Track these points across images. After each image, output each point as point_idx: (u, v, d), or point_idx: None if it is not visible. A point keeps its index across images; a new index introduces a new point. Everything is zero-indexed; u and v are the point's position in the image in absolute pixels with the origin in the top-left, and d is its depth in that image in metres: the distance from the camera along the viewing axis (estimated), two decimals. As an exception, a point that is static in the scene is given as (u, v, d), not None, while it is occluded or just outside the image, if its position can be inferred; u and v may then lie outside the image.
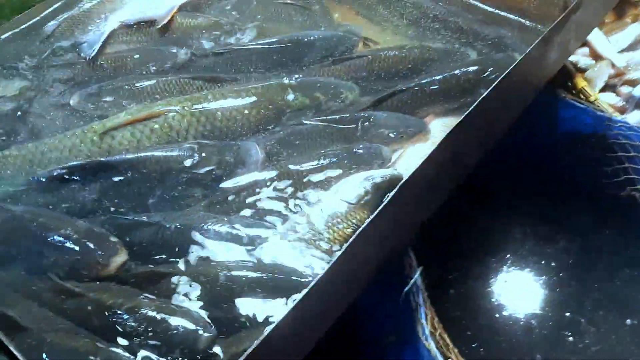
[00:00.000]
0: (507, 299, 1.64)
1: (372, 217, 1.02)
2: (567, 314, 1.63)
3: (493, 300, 1.64)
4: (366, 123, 1.26)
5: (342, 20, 1.59)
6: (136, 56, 1.48)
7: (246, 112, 1.30)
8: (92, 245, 1.06)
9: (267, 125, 1.31)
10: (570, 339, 1.58)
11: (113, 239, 1.08)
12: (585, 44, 2.03)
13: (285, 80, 1.35)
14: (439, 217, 1.31)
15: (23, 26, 1.56)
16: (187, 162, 1.22)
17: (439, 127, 1.33)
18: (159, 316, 0.97)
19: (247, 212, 1.16)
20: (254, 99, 1.32)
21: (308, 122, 1.29)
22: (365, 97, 1.37)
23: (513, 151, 1.63)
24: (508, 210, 1.82)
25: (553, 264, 1.72)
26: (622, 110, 1.94)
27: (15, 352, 0.88)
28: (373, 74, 1.41)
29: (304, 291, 0.92)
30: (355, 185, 1.14)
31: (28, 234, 1.09)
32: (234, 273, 1.04)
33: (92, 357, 0.94)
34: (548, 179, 1.79)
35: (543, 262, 1.73)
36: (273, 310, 1.00)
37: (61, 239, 1.07)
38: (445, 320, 1.31)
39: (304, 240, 1.09)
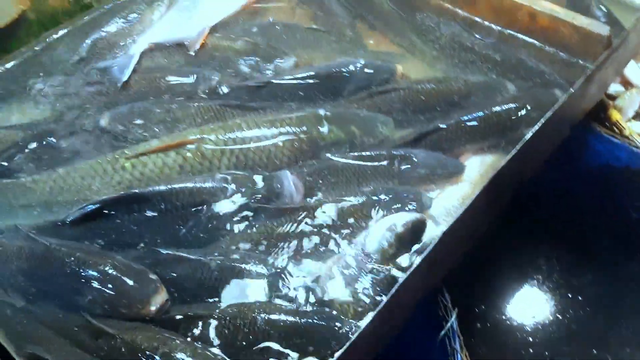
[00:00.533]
0: (533, 335, 1.62)
1: (413, 267, 1.00)
2: (594, 351, 1.61)
3: (518, 335, 1.62)
4: (402, 161, 1.24)
5: (376, 47, 1.56)
6: (169, 78, 1.45)
7: (280, 143, 1.28)
8: (132, 284, 1.04)
9: (300, 158, 1.28)
10: (597, 376, 1.56)
11: (152, 276, 1.06)
12: (617, 71, 2.00)
13: (321, 112, 1.32)
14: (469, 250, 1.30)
15: (50, 41, 1.53)
16: (221, 194, 1.20)
17: (477, 165, 1.30)
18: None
19: (283, 251, 1.14)
20: (288, 129, 1.29)
21: (343, 159, 1.26)
22: (400, 130, 1.34)
23: (543, 182, 1.60)
24: (535, 241, 1.79)
25: (580, 298, 1.70)
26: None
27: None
28: (410, 107, 1.38)
29: (346, 346, 0.90)
30: (392, 230, 1.10)
31: (64, 269, 1.06)
32: (272, 317, 1.02)
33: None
34: (578, 210, 1.77)
35: (570, 295, 1.71)
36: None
37: (99, 275, 1.04)
38: (472, 355, 1.29)
39: (343, 283, 1.07)
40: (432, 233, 1.12)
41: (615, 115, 1.71)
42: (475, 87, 1.40)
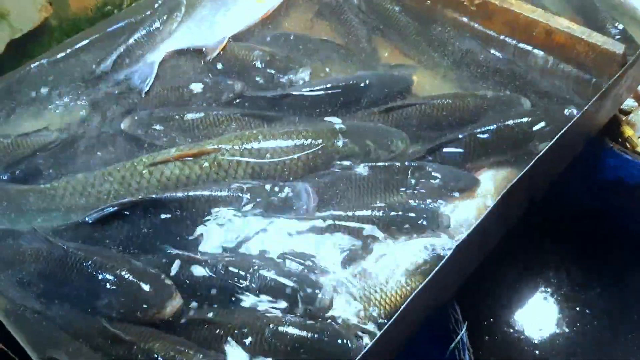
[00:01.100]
0: (541, 348, 1.63)
1: (423, 283, 1.01)
2: (600, 364, 1.61)
3: (527, 349, 1.62)
4: (417, 174, 1.25)
5: (391, 59, 1.57)
6: (189, 87, 1.48)
7: (295, 155, 1.30)
8: (147, 289, 1.06)
9: (314, 169, 1.30)
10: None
11: (168, 281, 1.08)
12: (630, 87, 2.00)
13: (337, 126, 1.33)
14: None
15: (72, 48, 1.56)
16: (236, 203, 1.22)
17: (490, 180, 1.31)
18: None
19: (296, 261, 1.16)
20: (303, 142, 1.31)
21: (358, 169, 1.28)
22: (415, 145, 1.35)
23: (556, 196, 1.61)
24: (545, 254, 1.80)
25: (589, 312, 1.70)
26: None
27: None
28: (425, 122, 1.39)
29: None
30: (414, 252, 1.12)
31: (81, 272, 1.09)
32: (280, 329, 1.03)
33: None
34: (589, 225, 1.77)
35: (578, 309, 1.72)
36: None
37: (116, 279, 1.06)
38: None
39: (354, 299, 1.08)
40: (447, 246, 1.13)
41: (628, 131, 1.72)
42: (491, 102, 1.41)
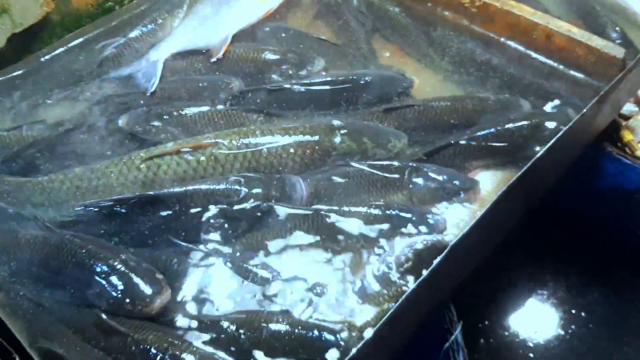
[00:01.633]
0: (537, 352, 1.62)
1: (417, 283, 1.01)
2: (596, 369, 1.60)
3: (522, 352, 1.62)
4: (414, 174, 1.25)
5: (391, 61, 1.57)
6: (190, 84, 1.48)
7: (292, 150, 1.30)
8: (137, 281, 1.05)
9: (311, 165, 1.30)
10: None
11: (159, 275, 1.07)
12: (631, 92, 2.00)
13: (334, 122, 1.33)
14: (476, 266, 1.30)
15: (73, 44, 1.57)
16: (234, 196, 1.22)
17: (488, 181, 1.31)
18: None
19: (289, 257, 1.16)
20: (301, 138, 1.31)
21: (355, 165, 1.27)
22: (414, 146, 1.35)
23: (554, 200, 1.60)
24: (543, 258, 1.79)
25: (585, 316, 1.70)
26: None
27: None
28: (424, 123, 1.39)
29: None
30: (409, 252, 1.11)
31: (75, 261, 1.08)
32: (276, 327, 1.03)
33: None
34: (587, 229, 1.77)
35: (575, 313, 1.71)
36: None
37: (108, 270, 1.06)
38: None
39: (345, 296, 1.08)
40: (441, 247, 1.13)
41: (627, 136, 1.71)
42: (490, 104, 1.41)
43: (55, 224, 1.18)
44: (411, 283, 1.08)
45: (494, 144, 1.33)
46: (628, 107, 2.14)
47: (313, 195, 1.24)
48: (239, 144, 1.30)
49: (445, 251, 1.05)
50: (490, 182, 1.30)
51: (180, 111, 1.41)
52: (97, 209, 1.18)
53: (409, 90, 1.46)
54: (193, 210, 1.20)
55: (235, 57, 1.56)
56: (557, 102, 1.42)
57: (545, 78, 1.45)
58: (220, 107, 1.41)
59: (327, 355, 0.99)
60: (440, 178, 1.24)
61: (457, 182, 1.24)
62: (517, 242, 1.76)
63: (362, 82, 1.45)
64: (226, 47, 1.56)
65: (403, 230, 1.19)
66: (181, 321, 1.05)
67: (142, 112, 1.41)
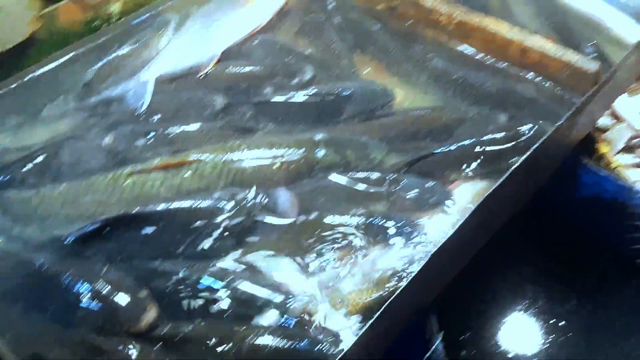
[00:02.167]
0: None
1: (399, 291, 1.03)
2: (575, 377, 1.63)
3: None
4: (393, 186, 1.28)
5: (372, 76, 1.60)
6: (175, 102, 1.50)
7: (276, 164, 1.32)
8: (123, 302, 1.07)
9: (296, 179, 1.33)
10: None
11: (143, 293, 1.09)
12: (607, 104, 2.05)
13: (318, 136, 1.36)
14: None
15: (59, 62, 1.59)
16: (218, 212, 1.24)
17: (468, 192, 1.34)
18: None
19: (273, 268, 1.18)
20: (285, 152, 1.34)
21: (336, 179, 1.30)
22: (394, 157, 1.38)
23: (533, 211, 1.64)
24: (524, 268, 1.82)
25: (564, 326, 1.72)
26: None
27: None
28: (404, 134, 1.42)
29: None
30: (391, 261, 1.14)
31: (60, 286, 1.09)
32: (258, 340, 1.05)
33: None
34: (566, 240, 1.80)
35: (556, 322, 1.74)
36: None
37: (92, 293, 1.07)
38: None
39: (330, 304, 1.10)
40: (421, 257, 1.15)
41: (603, 148, 1.76)
42: (469, 116, 1.45)
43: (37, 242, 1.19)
44: (391, 293, 1.10)
45: (473, 155, 1.37)
46: (604, 121, 2.19)
47: (301, 208, 1.27)
48: (224, 160, 1.32)
49: (425, 261, 1.08)
50: (470, 193, 1.33)
51: (165, 129, 1.42)
52: (86, 233, 1.20)
53: (390, 104, 1.49)
54: (178, 227, 1.22)
55: (224, 73, 1.58)
56: (533, 115, 1.45)
57: (521, 92, 1.49)
58: (205, 123, 1.43)
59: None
60: (420, 189, 1.27)
61: (436, 193, 1.28)
62: (497, 252, 1.80)
63: (344, 95, 1.48)
64: (214, 63, 1.59)
65: (384, 238, 1.22)
66: (163, 336, 1.07)
67: (128, 130, 1.43)
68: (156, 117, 1.47)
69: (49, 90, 1.53)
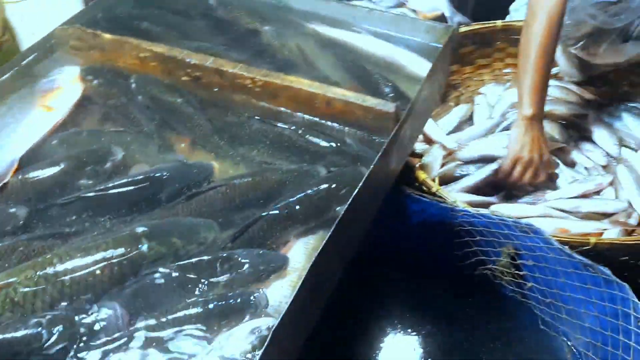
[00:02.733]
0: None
1: None
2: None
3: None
4: (225, 264, 1.23)
5: (186, 152, 1.57)
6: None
7: (98, 271, 1.21)
8: None
9: (122, 280, 1.22)
10: None
11: None
12: (418, 132, 2.22)
13: (138, 230, 1.27)
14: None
15: None
16: (35, 341, 1.10)
17: (302, 249, 1.34)
18: None
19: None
20: (104, 254, 1.23)
21: (163, 270, 1.23)
22: (224, 232, 1.34)
23: (371, 251, 1.69)
24: (375, 303, 1.88)
25: (421, 350, 1.79)
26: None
27: None
28: (229, 206, 1.39)
29: None
30: (241, 340, 1.09)
31: None
32: None
33: None
34: (408, 270, 1.89)
35: (413, 349, 1.80)
36: None
37: None
38: None
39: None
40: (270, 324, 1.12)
41: (421, 175, 1.89)
42: (289, 174, 1.46)
43: None
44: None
45: (300, 213, 1.38)
46: (421, 146, 2.37)
47: (131, 316, 1.17)
48: (36, 279, 1.18)
49: (269, 336, 1.05)
50: (303, 251, 1.33)
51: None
52: None
53: (209, 178, 1.46)
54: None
55: (25, 180, 1.44)
56: (348, 162, 1.51)
57: (334, 141, 1.54)
58: (8, 241, 1.29)
59: None
60: (251, 261, 1.24)
61: (268, 262, 1.26)
62: (348, 293, 1.83)
63: (160, 176, 1.42)
64: (13, 171, 1.44)
65: (228, 319, 1.17)
66: None
67: None
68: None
69: None
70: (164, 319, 1.15)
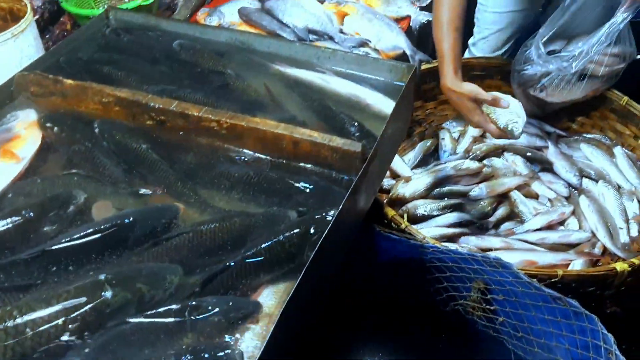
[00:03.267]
0: None
1: None
2: None
3: None
4: (195, 312, 1.20)
5: (153, 197, 1.53)
6: None
7: (60, 322, 1.17)
8: None
9: (86, 331, 1.18)
10: None
11: None
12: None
13: (101, 277, 1.24)
14: None
15: None
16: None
17: (272, 295, 1.32)
18: None
19: None
20: (66, 305, 1.19)
21: (131, 321, 1.19)
22: (192, 277, 1.31)
23: (343, 290, 1.68)
24: (349, 338, 1.86)
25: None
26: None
27: None
28: (197, 250, 1.36)
29: None
30: None
31: None
32: None
33: None
34: (384, 305, 1.88)
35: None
36: None
37: None
38: None
39: None
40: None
41: (390, 212, 1.89)
42: (259, 219, 1.44)
43: None
44: None
45: (271, 258, 1.35)
46: (388, 182, 2.39)
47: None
48: (-5, 335, 1.14)
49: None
50: (274, 297, 1.31)
51: None
52: None
53: (176, 219, 1.43)
54: None
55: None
56: (318, 203, 1.50)
57: (302, 183, 1.53)
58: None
59: None
60: (222, 309, 1.21)
61: (240, 309, 1.23)
62: (324, 334, 1.81)
63: (124, 222, 1.38)
64: None
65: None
66: None
67: None
68: None
69: None
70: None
